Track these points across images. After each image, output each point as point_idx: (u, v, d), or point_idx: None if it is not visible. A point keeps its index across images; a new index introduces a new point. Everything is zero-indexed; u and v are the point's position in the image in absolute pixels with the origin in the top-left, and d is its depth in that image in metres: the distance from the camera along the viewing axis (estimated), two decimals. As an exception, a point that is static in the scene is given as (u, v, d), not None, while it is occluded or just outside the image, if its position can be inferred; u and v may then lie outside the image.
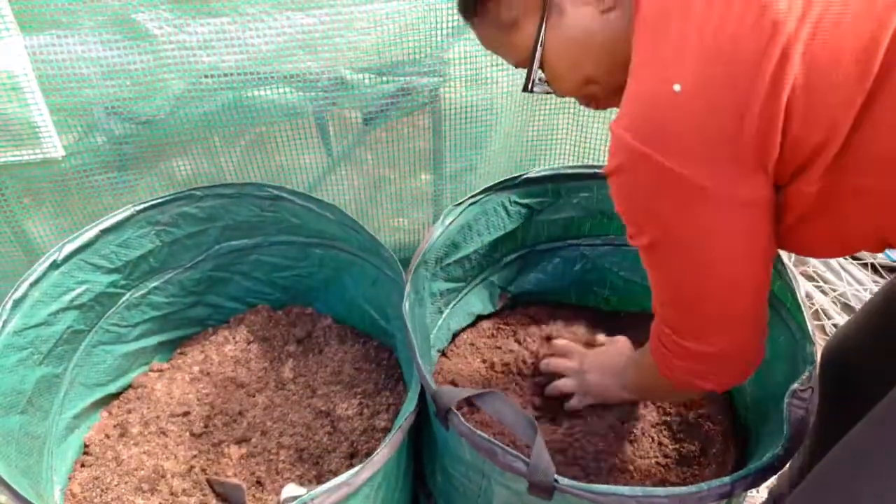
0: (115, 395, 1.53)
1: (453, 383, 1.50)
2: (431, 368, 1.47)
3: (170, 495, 1.30)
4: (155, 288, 1.55)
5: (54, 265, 1.31)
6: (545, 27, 0.92)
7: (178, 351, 1.63)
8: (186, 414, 1.45)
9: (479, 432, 1.05)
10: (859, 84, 0.72)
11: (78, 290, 1.37)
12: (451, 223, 1.44)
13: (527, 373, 1.54)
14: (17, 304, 1.23)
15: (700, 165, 0.77)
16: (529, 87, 0.98)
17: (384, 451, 1.08)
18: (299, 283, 1.70)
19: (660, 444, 1.34)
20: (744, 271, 0.86)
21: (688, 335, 0.93)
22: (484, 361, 1.58)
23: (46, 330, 1.31)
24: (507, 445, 1.03)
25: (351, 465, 1.30)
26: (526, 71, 0.97)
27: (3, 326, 1.20)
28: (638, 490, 0.96)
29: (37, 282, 1.28)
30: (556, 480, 0.98)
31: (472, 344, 1.63)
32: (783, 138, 0.76)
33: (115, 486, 1.32)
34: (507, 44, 0.98)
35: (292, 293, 1.72)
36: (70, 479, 1.35)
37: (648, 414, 1.38)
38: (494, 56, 1.07)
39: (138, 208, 1.45)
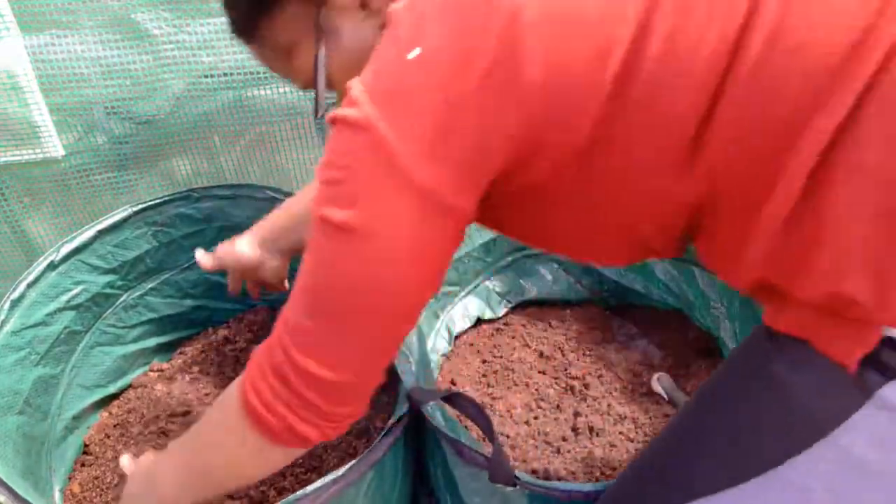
0: (115, 396, 1.55)
1: (453, 383, 1.52)
2: (431, 369, 1.48)
3: None
4: (151, 289, 1.57)
5: (52, 266, 1.33)
6: (324, 49, 0.86)
7: (178, 351, 1.65)
8: (187, 413, 1.47)
9: (446, 430, 1.10)
10: (598, 79, 0.68)
11: (75, 291, 1.39)
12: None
13: (527, 373, 1.55)
14: (15, 304, 1.25)
15: (417, 145, 0.69)
16: (319, 112, 0.91)
17: (375, 453, 1.09)
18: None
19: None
20: (412, 290, 0.78)
21: (315, 355, 0.76)
22: (484, 362, 1.59)
23: (44, 330, 1.33)
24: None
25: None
26: (314, 97, 0.90)
27: (1, 326, 1.22)
28: (588, 486, 1.01)
29: (34, 282, 1.30)
30: (516, 477, 1.04)
31: (471, 345, 1.65)
32: (521, 141, 0.72)
33: (116, 485, 1.33)
34: (289, 68, 0.92)
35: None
36: (70, 478, 1.37)
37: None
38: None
39: (135, 209, 1.47)
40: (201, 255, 1.31)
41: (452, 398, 1.18)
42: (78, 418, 1.44)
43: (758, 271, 0.71)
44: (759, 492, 0.71)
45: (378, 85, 0.70)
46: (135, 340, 1.58)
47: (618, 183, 0.74)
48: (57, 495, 1.31)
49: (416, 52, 0.68)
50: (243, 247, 1.28)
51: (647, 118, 0.68)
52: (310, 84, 0.90)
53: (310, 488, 1.00)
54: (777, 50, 0.62)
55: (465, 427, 1.37)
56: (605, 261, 0.95)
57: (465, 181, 0.72)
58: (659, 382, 1.50)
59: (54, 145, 1.51)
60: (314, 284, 0.77)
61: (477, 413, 1.15)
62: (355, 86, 0.72)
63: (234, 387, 0.85)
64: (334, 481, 1.02)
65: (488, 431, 1.11)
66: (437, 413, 1.16)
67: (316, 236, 0.76)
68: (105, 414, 1.50)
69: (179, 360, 1.62)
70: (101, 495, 1.32)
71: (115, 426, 1.46)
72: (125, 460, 1.08)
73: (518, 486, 1.06)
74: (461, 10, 0.69)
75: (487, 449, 1.09)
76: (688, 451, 0.81)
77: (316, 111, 0.91)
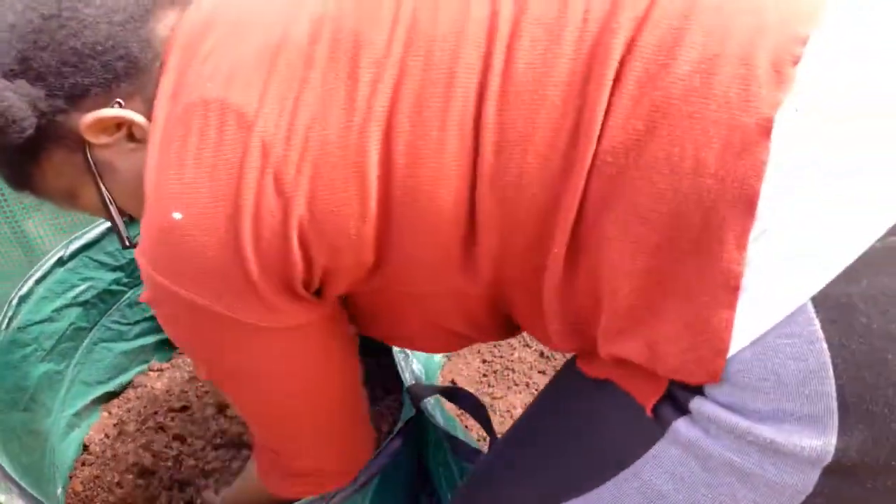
0: (116, 394, 1.56)
1: (453, 383, 1.54)
2: (433, 369, 1.50)
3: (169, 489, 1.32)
4: (156, 286, 1.57)
5: (60, 262, 1.35)
6: (105, 188, 0.81)
7: (178, 350, 1.66)
8: (185, 409, 1.48)
9: (442, 427, 1.15)
10: (362, 207, 0.69)
11: (82, 287, 1.40)
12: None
13: (527, 373, 1.57)
14: (23, 300, 1.27)
15: (220, 296, 0.71)
16: (125, 244, 0.87)
17: (382, 458, 1.10)
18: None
19: None
20: (317, 388, 0.86)
21: (288, 455, 0.92)
22: (484, 362, 1.61)
23: (50, 326, 1.34)
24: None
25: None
26: (115, 233, 0.87)
27: (9, 322, 1.23)
28: None
29: (43, 278, 1.32)
30: None
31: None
32: (313, 270, 0.73)
33: (117, 484, 1.34)
34: (80, 209, 0.88)
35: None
36: (71, 477, 1.38)
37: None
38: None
39: (145, 206, 1.47)
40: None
41: (450, 393, 1.20)
42: (79, 415, 1.45)
43: (561, 342, 0.74)
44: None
45: (159, 260, 0.71)
46: (136, 337, 1.59)
47: (412, 295, 0.79)
48: (59, 493, 1.31)
49: (179, 216, 0.68)
50: None
51: (418, 234, 0.70)
52: (108, 218, 0.87)
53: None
54: (508, 143, 0.64)
55: (466, 427, 1.39)
56: (432, 351, 1.05)
57: (293, 302, 0.75)
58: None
59: None
60: (250, 416, 0.90)
61: (474, 407, 1.17)
62: (140, 260, 0.73)
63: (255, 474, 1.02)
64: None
65: (486, 425, 1.13)
66: (436, 412, 1.18)
67: (215, 385, 0.87)
68: (105, 413, 1.51)
69: (179, 360, 1.63)
70: (101, 494, 1.33)
71: (114, 425, 1.47)
72: (209, 497, 1.27)
73: None
74: (215, 158, 0.68)
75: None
76: (508, 473, 0.84)
77: (122, 242, 0.88)
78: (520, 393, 1.53)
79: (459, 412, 1.49)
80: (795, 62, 0.56)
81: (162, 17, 0.76)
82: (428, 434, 1.32)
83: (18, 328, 1.26)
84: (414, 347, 1.01)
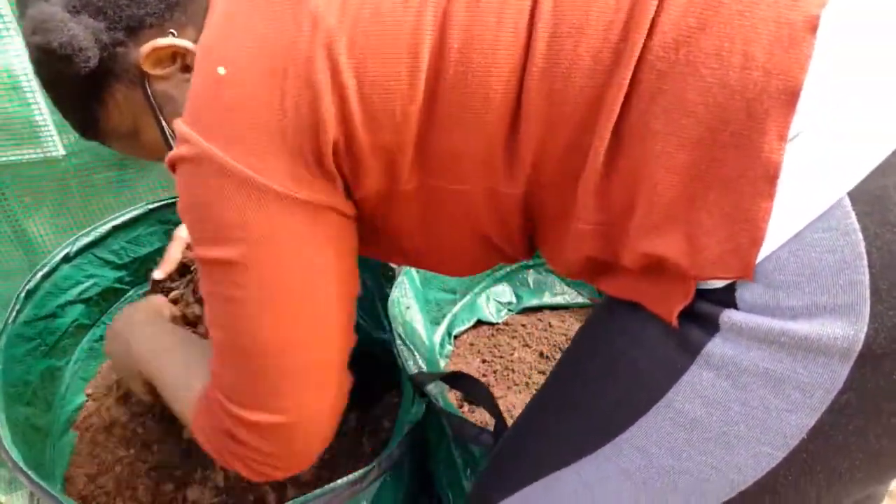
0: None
1: (454, 381, 1.57)
2: (437, 361, 1.53)
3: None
4: (158, 286, 1.61)
5: (67, 258, 1.39)
6: (165, 120, 0.87)
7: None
8: None
9: (450, 411, 1.18)
10: (411, 86, 0.72)
11: (86, 284, 1.44)
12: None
13: (527, 373, 1.61)
14: (30, 295, 1.30)
15: (252, 152, 0.71)
16: None
17: (391, 457, 1.13)
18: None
19: None
20: (323, 303, 0.79)
21: (244, 400, 0.80)
22: (484, 362, 1.65)
23: (54, 322, 1.38)
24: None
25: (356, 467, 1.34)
26: None
27: (16, 316, 1.27)
28: None
29: (49, 274, 1.35)
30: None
31: (471, 344, 1.71)
32: (349, 142, 0.74)
33: (117, 478, 1.37)
34: (144, 148, 0.93)
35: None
36: (72, 472, 1.39)
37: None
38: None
39: (151, 206, 1.52)
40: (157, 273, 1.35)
41: (453, 378, 1.24)
42: (78, 411, 1.47)
43: (586, 249, 0.76)
44: (606, 460, 0.76)
45: (199, 115, 0.73)
46: (136, 336, 1.61)
47: (452, 192, 0.79)
48: (58, 489, 1.32)
49: (223, 70, 0.71)
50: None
51: (463, 123, 0.73)
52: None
53: (327, 488, 1.03)
54: (561, 35, 0.68)
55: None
56: (462, 271, 0.96)
57: (320, 178, 0.75)
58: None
59: (54, 145, 1.53)
60: (225, 337, 0.79)
61: (479, 392, 1.21)
62: (179, 124, 0.74)
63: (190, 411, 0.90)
64: (350, 484, 1.05)
65: (493, 408, 1.17)
66: (438, 398, 1.22)
67: (206, 283, 0.78)
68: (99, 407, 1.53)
69: None
70: (102, 492, 1.36)
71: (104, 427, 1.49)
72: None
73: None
74: (266, 27, 0.72)
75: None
76: (540, 428, 0.88)
77: None
78: (520, 393, 1.58)
79: (461, 404, 1.54)
80: None
81: None
82: (428, 433, 1.35)
83: (24, 322, 1.29)
84: (437, 266, 0.96)
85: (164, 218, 1.55)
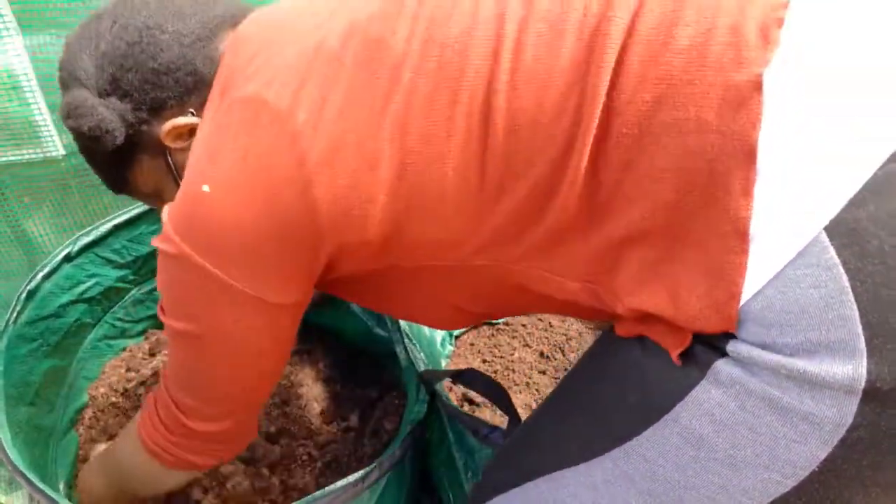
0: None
1: (454, 383, 1.58)
2: (439, 362, 1.55)
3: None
4: (160, 284, 1.62)
5: (68, 258, 1.40)
6: None
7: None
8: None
9: (462, 410, 1.20)
10: (372, 189, 0.79)
11: (88, 283, 1.45)
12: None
13: (527, 373, 1.62)
14: (31, 295, 1.32)
15: (227, 262, 0.80)
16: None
17: (394, 457, 1.14)
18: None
19: None
20: (269, 365, 0.94)
21: (198, 418, 0.95)
22: (484, 362, 1.66)
23: (56, 322, 1.39)
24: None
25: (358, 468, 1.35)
26: None
27: (18, 317, 1.28)
28: None
29: (50, 274, 1.37)
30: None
31: (471, 344, 1.72)
32: (320, 245, 0.82)
33: None
34: (164, 204, 0.96)
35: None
36: (75, 473, 1.40)
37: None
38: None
39: (153, 205, 1.52)
40: None
41: (464, 375, 1.26)
42: (81, 411, 1.49)
43: (575, 303, 0.82)
44: (614, 464, 0.78)
45: (183, 221, 0.80)
46: (139, 334, 1.65)
47: (419, 269, 0.88)
48: (62, 488, 1.34)
49: (206, 188, 0.78)
50: None
51: (426, 210, 0.79)
52: None
53: (329, 489, 1.06)
54: (518, 125, 0.73)
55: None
56: (439, 326, 1.10)
57: (288, 283, 0.85)
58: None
59: (54, 145, 1.54)
60: (179, 373, 0.94)
61: (491, 388, 1.23)
62: (164, 216, 0.82)
63: (133, 436, 1.04)
64: (352, 485, 1.07)
65: (505, 403, 1.19)
66: (439, 397, 1.24)
67: (170, 340, 0.92)
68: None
69: None
70: None
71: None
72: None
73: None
74: (248, 143, 0.79)
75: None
76: (550, 427, 0.91)
77: None
78: (520, 393, 1.59)
79: (461, 403, 1.55)
80: (780, 25, 0.64)
81: (224, 37, 0.91)
82: (429, 434, 1.36)
83: (26, 323, 1.30)
84: (420, 322, 1.09)
85: (166, 216, 1.55)
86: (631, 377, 0.77)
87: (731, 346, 0.66)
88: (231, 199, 0.78)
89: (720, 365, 0.67)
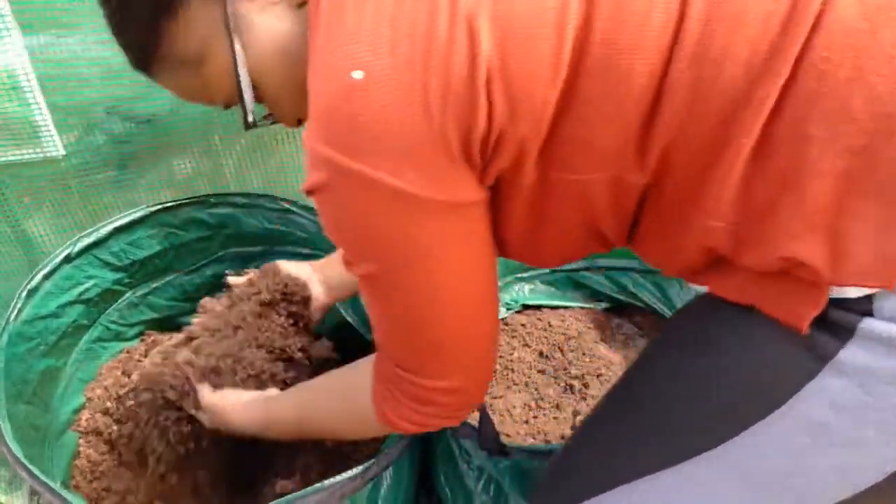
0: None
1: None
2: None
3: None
4: (156, 288, 1.65)
5: (68, 258, 1.42)
6: (239, 47, 0.81)
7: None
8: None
9: None
10: (554, 68, 0.68)
11: (86, 285, 1.47)
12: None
13: (527, 373, 1.64)
14: (31, 294, 1.33)
15: (402, 166, 0.69)
16: (250, 121, 0.86)
17: (390, 452, 1.15)
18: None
19: None
20: (479, 287, 0.82)
21: (432, 374, 0.85)
22: (484, 362, 1.66)
23: (54, 322, 1.40)
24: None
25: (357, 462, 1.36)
26: (240, 103, 0.85)
27: (17, 315, 1.29)
28: None
29: (50, 274, 1.38)
30: (504, 444, 1.14)
31: (471, 345, 1.72)
32: (488, 129, 0.71)
33: (116, 476, 1.39)
34: (203, 84, 0.86)
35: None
36: (71, 470, 1.43)
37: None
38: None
39: (152, 209, 1.55)
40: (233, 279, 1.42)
41: None
42: (77, 412, 1.50)
43: (704, 245, 0.74)
44: (716, 462, 0.76)
45: (337, 132, 0.69)
46: (133, 338, 1.66)
47: (572, 182, 0.76)
48: (58, 488, 1.33)
49: (360, 74, 0.67)
50: (301, 270, 1.39)
51: (600, 111, 0.70)
52: (231, 96, 0.86)
53: (325, 483, 1.06)
54: (715, 20, 0.64)
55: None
56: (552, 261, 0.95)
57: (464, 174, 0.74)
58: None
59: (54, 145, 1.55)
60: (388, 329, 0.85)
61: None
62: (309, 142, 0.72)
63: (360, 400, 0.95)
64: (349, 480, 1.07)
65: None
66: None
67: (368, 293, 0.82)
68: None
69: None
70: (103, 490, 1.38)
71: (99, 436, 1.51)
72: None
73: (507, 453, 1.15)
74: (397, 11, 0.68)
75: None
76: (638, 426, 0.86)
77: (245, 121, 0.86)
78: (519, 392, 1.60)
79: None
80: None
81: None
82: (428, 431, 1.37)
83: (24, 321, 1.32)
84: (529, 256, 0.93)
85: (164, 221, 1.58)
86: (729, 373, 0.75)
87: (866, 325, 0.64)
88: (390, 81, 0.67)
89: (844, 355, 0.66)
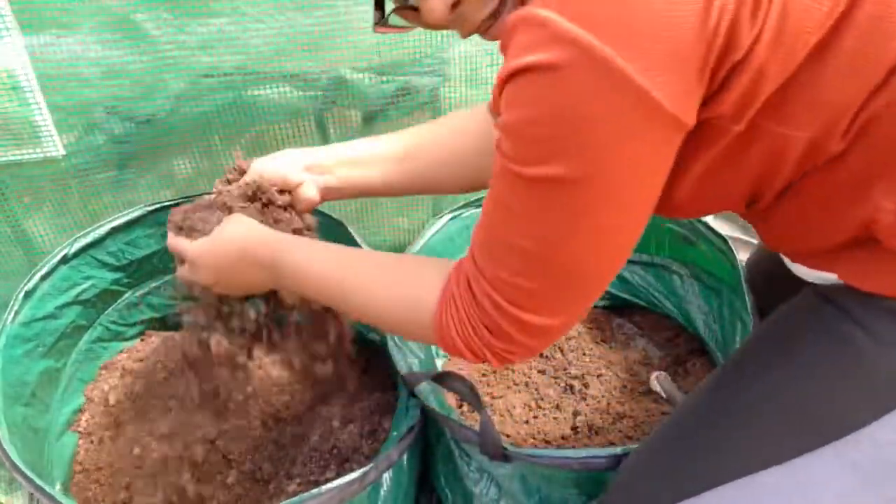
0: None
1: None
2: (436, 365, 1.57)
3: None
4: (155, 288, 1.66)
5: (65, 259, 1.43)
6: None
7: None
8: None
9: (438, 409, 1.21)
10: (829, 13, 0.65)
11: (84, 286, 1.48)
12: (432, 235, 1.59)
13: (527, 373, 1.64)
14: (28, 295, 1.34)
15: (659, 67, 0.62)
16: (384, 15, 0.83)
17: (391, 456, 1.16)
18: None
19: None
20: (640, 224, 0.75)
21: (539, 309, 0.77)
22: (484, 361, 1.66)
23: (52, 323, 1.41)
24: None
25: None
26: None
27: (14, 317, 1.31)
28: (582, 452, 1.10)
29: (47, 275, 1.40)
30: (505, 448, 1.13)
31: (471, 345, 1.72)
32: (743, 63, 0.66)
33: (115, 478, 1.41)
34: None
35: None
36: (71, 472, 1.44)
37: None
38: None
39: (150, 209, 1.56)
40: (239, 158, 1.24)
41: (442, 377, 1.28)
42: (77, 412, 1.52)
43: (865, 223, 0.73)
44: (836, 455, 0.77)
45: (588, 7, 0.62)
46: (132, 338, 1.67)
47: (775, 135, 0.72)
48: (58, 489, 1.35)
49: None
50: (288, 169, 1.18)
51: (849, 72, 0.67)
52: None
53: (325, 488, 1.06)
54: None
55: (461, 413, 1.46)
56: (695, 213, 0.88)
57: (699, 94, 0.67)
58: (658, 381, 1.58)
59: (54, 145, 1.56)
60: (532, 247, 0.73)
61: (464, 387, 1.24)
62: (552, 16, 0.62)
63: (421, 304, 0.85)
64: (348, 484, 1.08)
65: (476, 402, 1.20)
66: (431, 399, 1.26)
67: (522, 196, 0.71)
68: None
69: None
70: (102, 489, 1.40)
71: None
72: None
73: (509, 458, 1.15)
74: None
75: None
76: (746, 422, 0.85)
77: (382, 16, 0.83)
78: (519, 392, 1.60)
79: (459, 403, 1.57)
80: None
81: None
82: (427, 433, 1.38)
83: (22, 323, 1.33)
84: (677, 209, 0.84)
85: (162, 220, 1.56)
86: (855, 365, 0.75)
87: None
88: None
89: None
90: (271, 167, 1.17)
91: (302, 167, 1.17)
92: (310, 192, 1.17)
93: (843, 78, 0.67)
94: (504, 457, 1.15)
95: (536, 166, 0.68)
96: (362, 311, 0.93)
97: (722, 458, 0.87)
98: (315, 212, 1.56)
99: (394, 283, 0.91)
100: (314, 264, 0.97)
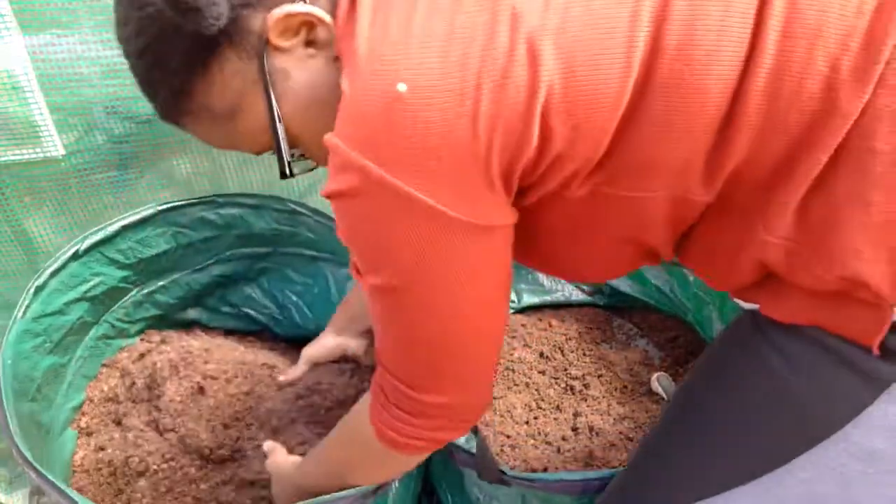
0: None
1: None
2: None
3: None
4: (161, 287, 1.69)
5: (76, 255, 1.45)
6: (275, 101, 0.80)
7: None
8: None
9: None
10: (620, 86, 0.67)
11: (92, 282, 1.50)
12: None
13: (527, 373, 1.68)
14: (39, 290, 1.36)
15: (439, 185, 0.68)
16: (288, 171, 0.85)
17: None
18: (302, 297, 1.85)
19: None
20: (491, 309, 0.81)
21: (428, 389, 0.84)
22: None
23: (60, 319, 1.43)
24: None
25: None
26: (276, 156, 0.84)
27: (25, 312, 1.33)
28: (578, 475, 1.14)
29: (58, 271, 1.42)
30: (502, 472, 1.16)
31: (472, 345, 1.75)
32: (538, 156, 0.71)
33: (116, 475, 1.43)
34: (237, 135, 0.85)
35: (291, 310, 1.86)
36: (72, 468, 1.47)
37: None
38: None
39: (161, 208, 1.59)
40: (285, 377, 1.49)
41: None
42: (77, 409, 1.54)
43: (759, 260, 0.74)
44: (766, 491, 0.78)
45: (374, 141, 0.68)
46: (135, 335, 1.69)
47: (627, 199, 0.76)
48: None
49: (404, 87, 0.66)
50: (328, 340, 1.47)
51: (668, 131, 0.69)
52: (265, 144, 0.85)
53: (337, 495, 1.06)
54: (794, 36, 0.64)
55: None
56: (594, 276, 0.94)
57: (500, 196, 0.74)
58: (658, 382, 1.63)
59: (54, 145, 1.57)
60: (394, 343, 0.83)
61: None
62: (337, 143, 0.69)
63: (361, 425, 0.94)
64: (362, 495, 1.08)
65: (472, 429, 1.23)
66: None
67: (377, 304, 0.80)
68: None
69: None
70: (101, 488, 1.43)
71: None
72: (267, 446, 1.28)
73: (508, 483, 1.18)
74: (450, 26, 0.67)
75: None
76: (689, 451, 0.87)
77: (283, 171, 0.85)
78: (520, 393, 1.64)
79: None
80: None
81: None
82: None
83: (32, 318, 1.34)
84: (569, 271, 0.94)
85: (172, 220, 1.62)
86: (782, 399, 0.75)
87: None
88: (437, 98, 0.65)
89: None
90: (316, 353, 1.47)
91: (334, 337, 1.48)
92: (355, 343, 1.48)
93: (666, 139, 0.70)
94: (501, 481, 1.18)
95: (371, 275, 0.77)
96: (351, 477, 1.05)
97: (659, 492, 0.91)
98: (315, 212, 1.61)
99: (338, 436, 1.06)
100: (308, 478, 1.13)
